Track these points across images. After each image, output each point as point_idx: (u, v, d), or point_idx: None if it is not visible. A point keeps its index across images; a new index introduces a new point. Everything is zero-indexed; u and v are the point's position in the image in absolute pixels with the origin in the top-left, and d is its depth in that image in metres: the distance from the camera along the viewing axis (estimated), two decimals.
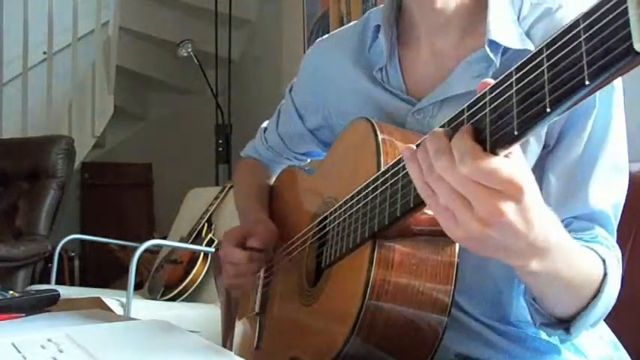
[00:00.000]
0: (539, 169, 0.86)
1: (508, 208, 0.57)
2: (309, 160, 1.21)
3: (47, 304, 1.01)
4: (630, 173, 0.96)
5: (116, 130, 4.54)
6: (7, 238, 3.17)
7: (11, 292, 0.99)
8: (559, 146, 0.85)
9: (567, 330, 0.77)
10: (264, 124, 1.21)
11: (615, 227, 0.87)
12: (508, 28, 0.85)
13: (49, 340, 0.73)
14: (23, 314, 0.95)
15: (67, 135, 3.68)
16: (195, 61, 3.96)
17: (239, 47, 4.40)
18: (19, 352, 0.69)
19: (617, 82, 0.85)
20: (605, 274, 0.75)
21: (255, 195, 1.14)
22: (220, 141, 4.00)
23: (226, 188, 3.10)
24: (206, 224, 3.00)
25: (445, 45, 0.90)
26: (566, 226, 0.82)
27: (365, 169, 0.80)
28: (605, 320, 0.90)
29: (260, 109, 3.97)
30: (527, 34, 0.85)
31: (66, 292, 1.40)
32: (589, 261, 0.75)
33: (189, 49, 3.95)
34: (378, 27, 0.95)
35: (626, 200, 0.88)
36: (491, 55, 0.84)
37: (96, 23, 4.20)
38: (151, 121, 4.81)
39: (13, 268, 3.05)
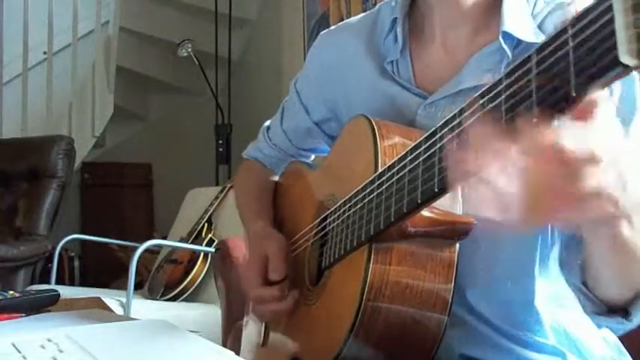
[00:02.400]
0: None
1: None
2: (313, 157, 1.19)
3: (47, 304, 1.01)
4: None
5: (116, 130, 4.53)
6: (7, 238, 3.17)
7: (11, 292, 0.99)
8: None
9: (626, 316, 0.72)
10: (267, 123, 1.19)
11: None
12: (522, 21, 0.85)
13: (49, 340, 0.73)
14: (23, 314, 0.95)
15: (67, 135, 3.68)
16: (195, 61, 3.96)
17: (239, 47, 4.40)
18: (19, 352, 0.69)
19: None
20: None
21: (258, 199, 1.12)
22: (220, 141, 4.00)
23: (226, 188, 3.10)
24: (206, 224, 3.00)
25: (458, 40, 0.90)
26: None
27: (363, 170, 0.80)
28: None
29: (260, 109, 3.97)
30: (540, 27, 0.85)
31: (66, 292, 1.40)
32: None
33: (189, 49, 3.94)
34: (395, 20, 0.94)
35: None
36: (505, 46, 0.83)
37: (96, 23, 4.20)
38: (150, 121, 4.81)
39: (13, 268, 3.05)
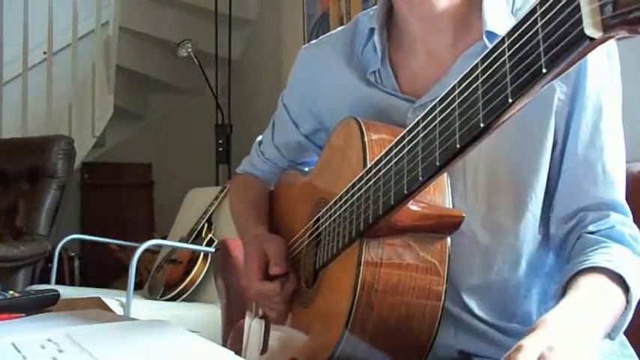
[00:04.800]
0: (553, 169, 0.88)
1: None
2: (307, 170, 1.20)
3: (47, 304, 1.01)
4: (631, 174, 0.96)
5: (116, 130, 4.53)
6: (7, 238, 3.17)
7: (11, 292, 0.99)
8: (567, 141, 0.86)
9: (610, 336, 0.79)
10: (259, 137, 1.19)
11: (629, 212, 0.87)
12: (503, 19, 0.86)
13: (49, 340, 0.73)
14: (23, 314, 0.95)
15: (67, 135, 3.68)
16: (195, 61, 3.96)
17: (239, 47, 4.40)
18: (19, 352, 0.69)
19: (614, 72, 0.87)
20: (627, 288, 0.77)
21: (251, 210, 1.11)
22: (220, 141, 3.99)
23: (226, 188, 3.10)
24: (206, 224, 3.00)
25: (440, 45, 0.91)
26: (580, 222, 0.84)
27: (352, 169, 0.81)
28: None
29: (260, 109, 3.97)
30: None
31: (66, 292, 1.40)
32: (609, 297, 0.76)
33: (189, 49, 3.94)
34: (372, 30, 0.95)
35: (625, 200, 0.88)
36: (490, 45, 0.84)
37: (96, 23, 4.20)
38: (150, 121, 4.81)
39: (13, 268, 3.05)
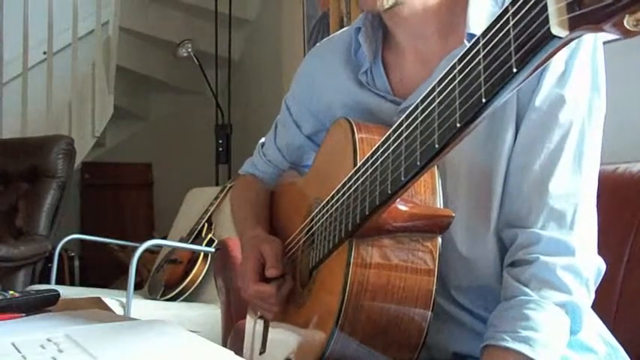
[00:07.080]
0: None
1: None
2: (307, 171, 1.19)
3: (47, 304, 1.01)
4: (630, 174, 0.96)
5: (116, 130, 4.54)
6: (7, 238, 3.17)
7: (11, 292, 0.99)
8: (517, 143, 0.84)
9: None
10: (262, 139, 1.19)
11: (581, 216, 0.82)
12: (488, 20, 0.84)
13: (49, 340, 0.73)
14: (23, 314, 0.95)
15: (67, 135, 3.67)
16: (195, 61, 3.96)
17: (239, 47, 4.40)
18: (19, 352, 0.69)
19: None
20: None
21: (251, 211, 1.11)
22: (220, 141, 3.99)
23: (226, 188, 3.10)
24: (206, 224, 3.00)
25: (428, 46, 0.90)
26: (512, 242, 0.83)
27: (344, 169, 0.81)
28: (603, 320, 0.90)
29: (260, 109, 3.97)
30: None
31: (66, 292, 1.40)
32: None
33: (189, 49, 3.95)
34: (358, 29, 0.95)
35: (626, 200, 0.88)
36: None
37: (96, 23, 4.20)
38: (150, 121, 4.81)
39: (13, 268, 3.05)
